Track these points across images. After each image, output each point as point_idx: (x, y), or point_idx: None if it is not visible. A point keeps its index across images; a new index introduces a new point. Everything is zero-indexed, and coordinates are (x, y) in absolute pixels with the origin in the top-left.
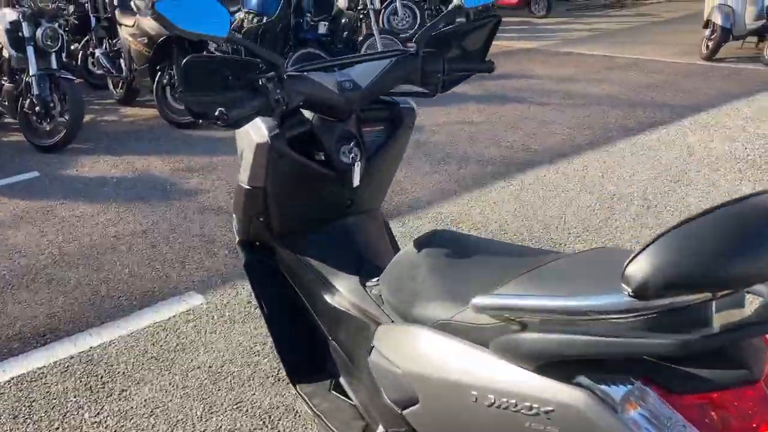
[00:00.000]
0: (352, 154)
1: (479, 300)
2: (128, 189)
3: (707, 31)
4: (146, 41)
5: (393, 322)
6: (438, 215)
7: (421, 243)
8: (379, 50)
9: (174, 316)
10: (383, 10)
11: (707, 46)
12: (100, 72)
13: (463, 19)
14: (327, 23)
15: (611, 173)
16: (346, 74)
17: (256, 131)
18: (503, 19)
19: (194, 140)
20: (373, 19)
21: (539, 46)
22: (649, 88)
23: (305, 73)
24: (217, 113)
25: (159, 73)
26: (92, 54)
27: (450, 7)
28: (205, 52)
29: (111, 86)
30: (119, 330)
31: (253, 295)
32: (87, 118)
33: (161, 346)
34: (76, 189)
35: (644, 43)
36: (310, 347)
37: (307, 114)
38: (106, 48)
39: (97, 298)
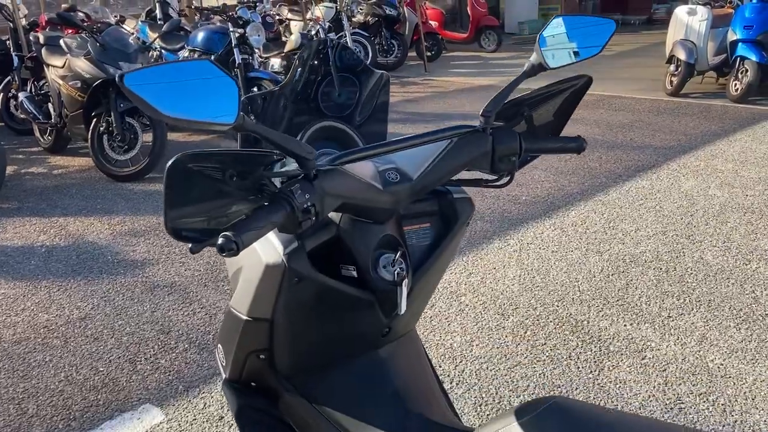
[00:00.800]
0: (396, 270)
1: None
2: (61, 261)
3: (671, 67)
4: (79, 85)
5: None
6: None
7: (536, 423)
8: (440, 128)
9: None
10: None
11: (671, 81)
12: (23, 116)
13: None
14: (281, 59)
15: (614, 229)
16: (389, 161)
17: (264, 246)
18: (455, 54)
19: (137, 196)
20: (331, 57)
21: (497, 82)
22: (624, 128)
23: (340, 167)
24: (221, 240)
25: (94, 120)
26: (15, 97)
27: (525, 67)
28: None
29: (37, 133)
30: None
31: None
32: (9, 169)
33: None
34: None
35: (604, 78)
36: None
37: (332, 214)
38: (31, 91)
39: (24, 419)
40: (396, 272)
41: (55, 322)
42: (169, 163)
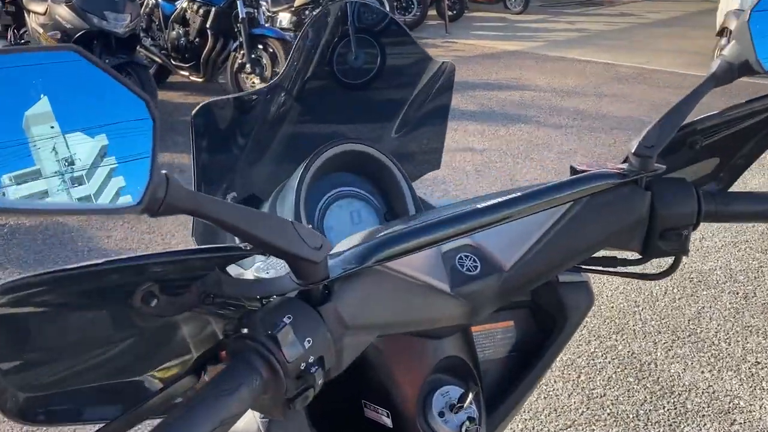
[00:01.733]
0: (465, 422)
1: None
2: (23, 246)
3: (723, 40)
4: (59, 36)
5: None
6: None
7: None
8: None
9: None
10: None
11: None
12: None
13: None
14: (290, 15)
15: None
16: (465, 239)
17: None
18: (478, 14)
19: None
20: (349, 17)
21: (525, 48)
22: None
23: (377, 264)
24: None
25: None
26: None
27: (713, 67)
28: (139, 48)
29: None
30: None
31: None
32: None
33: None
34: None
35: (642, 49)
36: None
37: None
38: (10, 39)
39: None
40: (464, 427)
41: None
42: None
